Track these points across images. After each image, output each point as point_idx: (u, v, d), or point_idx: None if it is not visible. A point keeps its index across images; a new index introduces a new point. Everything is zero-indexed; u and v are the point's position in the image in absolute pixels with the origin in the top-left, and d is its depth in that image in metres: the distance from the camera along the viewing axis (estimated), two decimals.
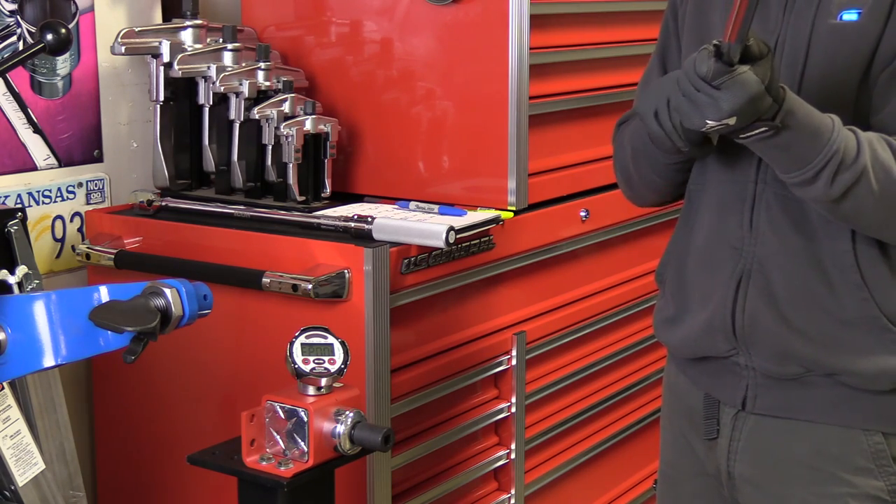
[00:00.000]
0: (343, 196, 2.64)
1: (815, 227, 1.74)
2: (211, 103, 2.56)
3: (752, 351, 1.80)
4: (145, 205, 2.55)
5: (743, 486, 1.85)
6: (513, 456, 2.64)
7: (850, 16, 1.72)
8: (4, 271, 1.80)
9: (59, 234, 2.58)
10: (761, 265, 1.77)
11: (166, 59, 2.53)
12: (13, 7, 2.45)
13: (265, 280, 2.30)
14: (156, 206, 2.54)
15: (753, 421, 1.83)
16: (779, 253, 1.76)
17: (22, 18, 2.46)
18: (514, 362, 2.61)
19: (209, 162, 2.61)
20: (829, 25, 1.73)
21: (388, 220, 2.33)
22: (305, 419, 1.88)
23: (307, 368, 1.91)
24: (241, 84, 2.52)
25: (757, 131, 1.61)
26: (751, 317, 1.78)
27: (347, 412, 1.92)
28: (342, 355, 1.94)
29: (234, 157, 2.56)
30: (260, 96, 2.55)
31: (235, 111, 2.54)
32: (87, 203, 2.62)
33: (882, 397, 1.76)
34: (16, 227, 1.92)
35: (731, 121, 1.57)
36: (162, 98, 2.56)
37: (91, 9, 2.59)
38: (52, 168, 2.56)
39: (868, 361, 1.73)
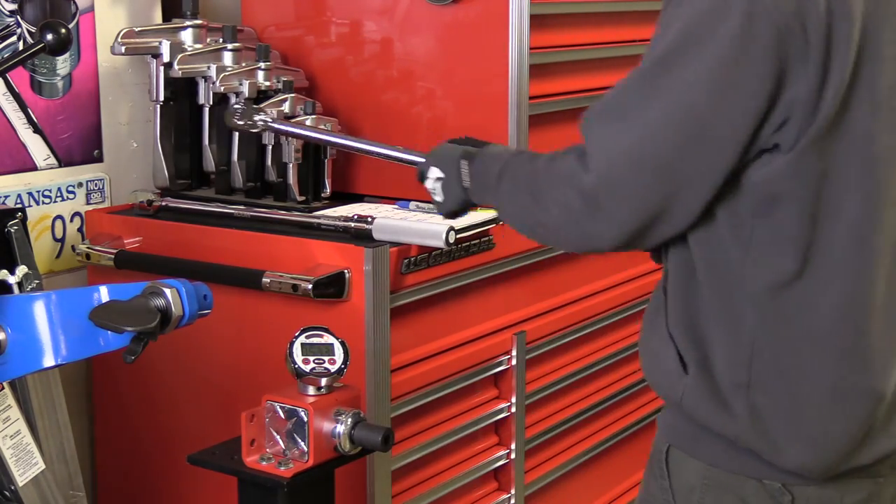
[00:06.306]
0: (343, 196, 2.64)
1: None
2: (211, 103, 2.56)
3: None
4: (145, 205, 2.54)
5: None
6: (513, 456, 2.64)
7: None
8: (4, 271, 1.80)
9: (59, 234, 2.58)
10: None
11: (166, 59, 2.52)
12: (13, 7, 2.45)
13: (265, 280, 2.30)
14: (156, 206, 2.54)
15: None
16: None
17: (22, 18, 2.46)
18: (514, 362, 2.61)
19: (209, 162, 2.61)
20: None
21: (388, 220, 2.33)
22: (305, 419, 1.88)
23: (307, 368, 1.91)
24: (241, 84, 2.52)
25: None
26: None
27: (347, 412, 1.92)
28: (342, 355, 1.94)
29: (234, 157, 2.56)
30: (260, 96, 2.55)
31: None
32: (87, 203, 2.62)
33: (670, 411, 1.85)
34: (16, 227, 1.92)
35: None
36: (162, 98, 2.56)
37: (91, 9, 2.59)
38: (52, 168, 2.56)
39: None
